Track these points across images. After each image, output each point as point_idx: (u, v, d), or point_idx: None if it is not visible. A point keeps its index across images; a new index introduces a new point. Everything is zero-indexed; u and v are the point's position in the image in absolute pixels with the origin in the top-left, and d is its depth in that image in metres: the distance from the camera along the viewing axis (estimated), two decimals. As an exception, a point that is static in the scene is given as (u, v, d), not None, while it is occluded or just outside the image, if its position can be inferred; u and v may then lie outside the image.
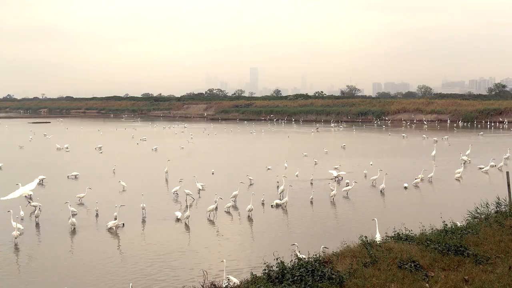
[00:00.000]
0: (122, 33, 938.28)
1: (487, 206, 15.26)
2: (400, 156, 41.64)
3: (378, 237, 14.12)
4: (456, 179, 29.47)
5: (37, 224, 20.09)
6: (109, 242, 17.92)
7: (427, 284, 8.79)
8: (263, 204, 23.04)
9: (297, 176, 29.67)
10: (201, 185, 26.49)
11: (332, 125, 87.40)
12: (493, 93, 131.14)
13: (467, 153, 37.36)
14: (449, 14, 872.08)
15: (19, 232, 17.86)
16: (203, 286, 10.11)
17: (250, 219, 20.79)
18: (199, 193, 25.66)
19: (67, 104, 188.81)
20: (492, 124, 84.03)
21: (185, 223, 19.91)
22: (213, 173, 32.11)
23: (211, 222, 20.45)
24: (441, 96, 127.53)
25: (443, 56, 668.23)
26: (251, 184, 27.96)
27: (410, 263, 9.59)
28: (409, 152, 44.44)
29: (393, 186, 26.85)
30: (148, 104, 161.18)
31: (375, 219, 16.59)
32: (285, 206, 22.63)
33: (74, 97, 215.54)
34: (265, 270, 9.47)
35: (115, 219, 19.39)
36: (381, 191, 25.70)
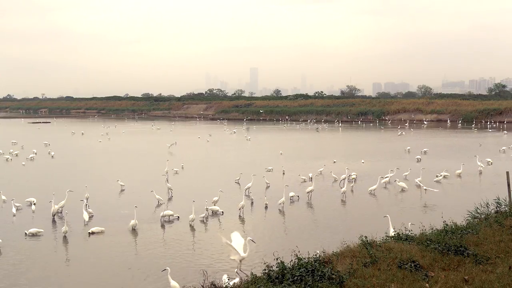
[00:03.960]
0: (124, 34, 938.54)
1: (487, 206, 15.28)
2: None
3: (392, 233, 13.91)
4: (457, 175, 30.06)
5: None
6: (108, 243, 17.91)
7: (427, 284, 8.79)
8: (266, 207, 22.74)
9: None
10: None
11: (340, 125, 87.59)
12: (493, 93, 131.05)
13: None
14: (448, 18, 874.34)
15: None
16: (203, 286, 10.11)
17: (250, 219, 20.78)
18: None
19: (67, 104, 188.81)
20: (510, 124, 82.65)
21: (182, 223, 19.91)
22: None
23: (212, 222, 20.43)
24: (441, 96, 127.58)
25: (443, 56, 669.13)
26: (268, 187, 27.35)
27: (410, 263, 9.59)
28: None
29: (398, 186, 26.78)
30: (148, 104, 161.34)
31: (388, 215, 16.47)
32: (282, 207, 22.50)
33: (74, 97, 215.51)
34: (265, 270, 9.48)
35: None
36: (369, 190, 25.71)
